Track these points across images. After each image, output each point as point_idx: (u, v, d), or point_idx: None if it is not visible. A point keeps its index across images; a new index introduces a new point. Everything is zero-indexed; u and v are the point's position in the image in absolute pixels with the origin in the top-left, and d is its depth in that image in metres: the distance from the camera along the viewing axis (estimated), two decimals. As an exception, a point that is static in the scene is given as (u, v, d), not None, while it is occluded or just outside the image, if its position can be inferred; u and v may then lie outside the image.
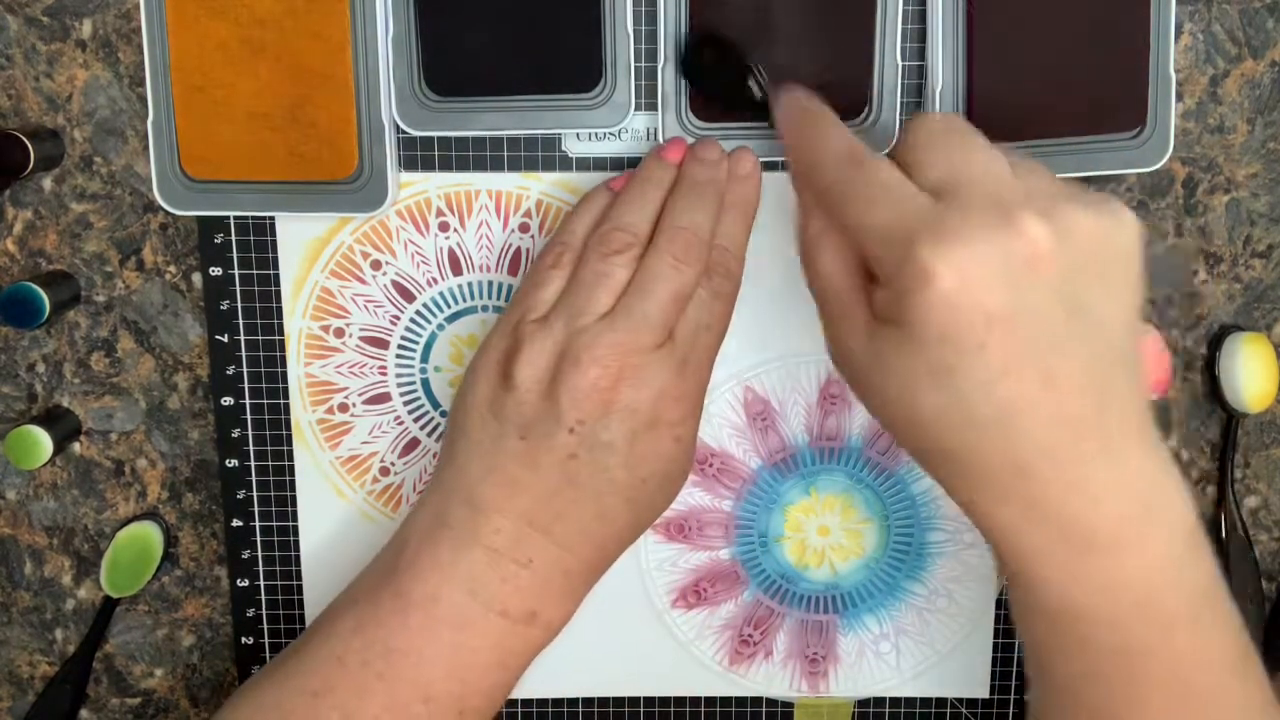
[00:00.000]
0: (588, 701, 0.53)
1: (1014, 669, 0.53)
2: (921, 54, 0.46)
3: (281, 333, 0.49)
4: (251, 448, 0.50)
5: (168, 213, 0.47)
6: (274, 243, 0.48)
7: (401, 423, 0.50)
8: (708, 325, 0.42)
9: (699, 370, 0.43)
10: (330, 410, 0.50)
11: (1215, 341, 0.50)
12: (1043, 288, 0.34)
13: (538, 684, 0.52)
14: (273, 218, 0.48)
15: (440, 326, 0.49)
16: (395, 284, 0.49)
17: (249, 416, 0.50)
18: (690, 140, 0.45)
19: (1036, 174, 0.37)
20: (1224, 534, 0.51)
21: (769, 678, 0.53)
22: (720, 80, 0.45)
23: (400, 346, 0.49)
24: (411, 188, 0.47)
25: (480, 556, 0.41)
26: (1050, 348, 0.34)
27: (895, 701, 0.53)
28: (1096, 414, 0.35)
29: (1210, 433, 0.52)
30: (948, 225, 0.34)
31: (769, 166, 0.47)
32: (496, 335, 0.43)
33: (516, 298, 0.43)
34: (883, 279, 0.36)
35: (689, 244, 0.42)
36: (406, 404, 0.50)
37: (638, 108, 0.46)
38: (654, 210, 0.43)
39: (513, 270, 0.48)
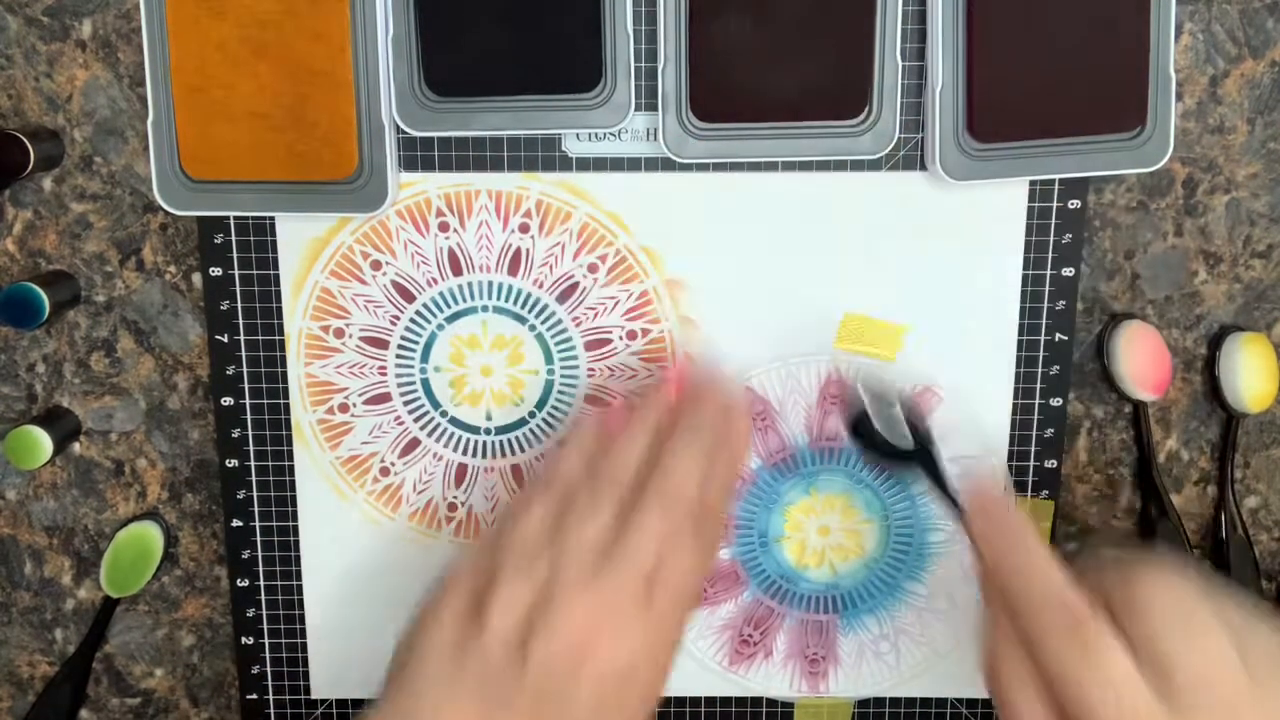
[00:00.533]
0: (588, 701, 0.53)
1: (1014, 669, 0.53)
2: (921, 54, 0.46)
3: (281, 333, 0.49)
4: (251, 448, 0.50)
5: (168, 213, 0.47)
6: (274, 243, 0.48)
7: (401, 423, 0.50)
8: (689, 576, 0.41)
9: (677, 624, 0.41)
10: (330, 410, 0.50)
11: (1215, 341, 0.50)
12: None
13: None
14: (273, 218, 0.48)
15: (440, 326, 0.49)
16: (395, 284, 0.49)
17: (249, 416, 0.50)
18: (691, 367, 0.46)
19: (1259, 646, 0.36)
20: (1224, 534, 0.51)
21: (769, 678, 0.53)
22: (892, 450, 0.46)
23: (400, 346, 0.49)
24: (411, 188, 0.47)
25: None
26: None
27: (895, 701, 0.53)
28: None
29: (1210, 433, 0.52)
30: None
31: (772, 167, 0.47)
32: (474, 560, 0.41)
33: (499, 527, 0.42)
34: None
35: (677, 498, 0.40)
36: (406, 404, 0.50)
37: (638, 108, 0.46)
38: (644, 454, 0.42)
39: (512, 270, 0.48)
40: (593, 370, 0.49)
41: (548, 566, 0.39)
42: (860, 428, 0.46)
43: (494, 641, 0.38)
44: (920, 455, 0.45)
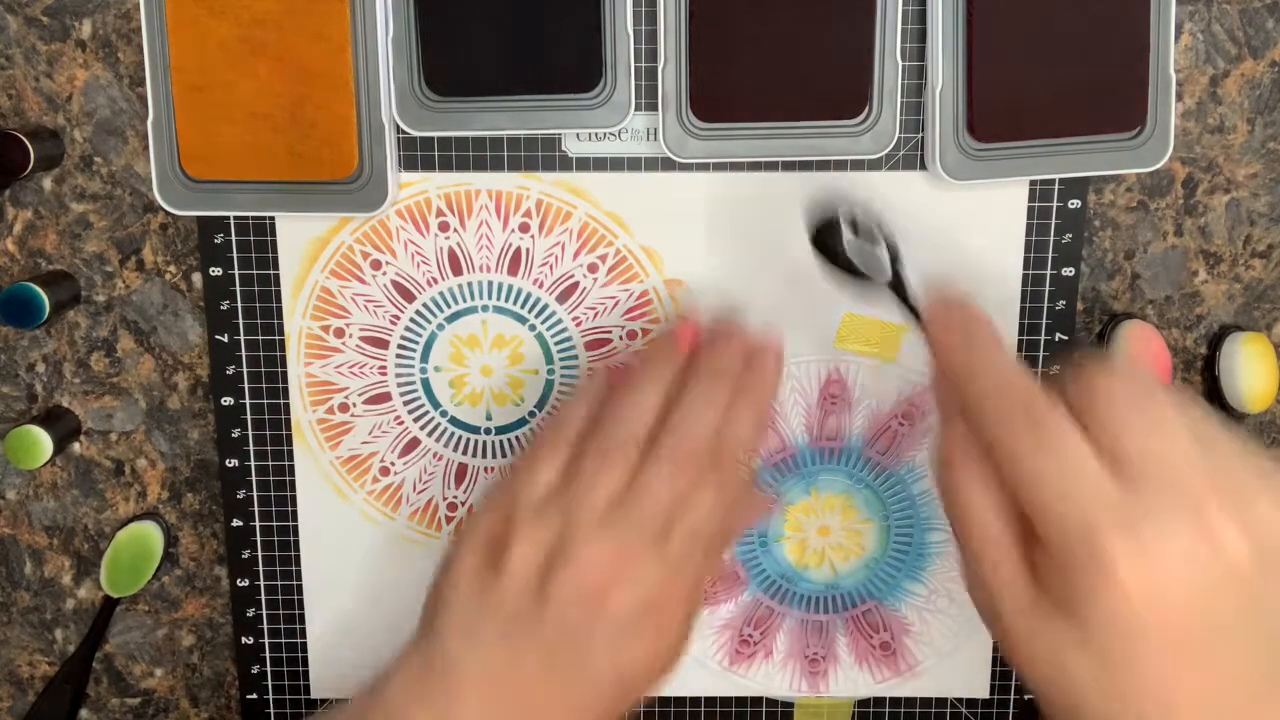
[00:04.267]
0: (588, 701, 0.53)
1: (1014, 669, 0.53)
2: (921, 54, 0.46)
3: (281, 333, 0.49)
4: (251, 448, 0.50)
5: (168, 213, 0.47)
6: (274, 243, 0.48)
7: (401, 423, 0.50)
8: (705, 529, 0.41)
9: (695, 571, 0.41)
10: (330, 410, 0.50)
11: (1215, 341, 0.50)
12: (1226, 590, 0.33)
13: None
14: (273, 218, 0.48)
15: (440, 326, 0.49)
16: (395, 284, 0.49)
17: (249, 416, 0.50)
18: (704, 323, 0.44)
19: (1219, 444, 0.35)
20: (1224, 534, 0.51)
21: (769, 678, 0.53)
22: (853, 261, 0.43)
23: (400, 346, 0.49)
24: (411, 188, 0.47)
25: None
26: (1224, 649, 0.33)
27: (895, 701, 0.53)
28: (1251, 704, 0.34)
29: (1210, 433, 0.51)
30: (1137, 526, 0.32)
31: (772, 167, 0.47)
32: (488, 512, 0.42)
33: (510, 480, 0.42)
34: (1049, 550, 0.34)
35: (688, 453, 0.40)
36: (406, 404, 0.50)
37: (638, 108, 0.46)
38: (656, 405, 0.42)
39: (512, 270, 0.48)
40: (593, 370, 0.49)
41: (561, 518, 0.40)
42: (824, 239, 0.43)
43: (513, 586, 0.39)
44: (894, 284, 0.43)
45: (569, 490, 0.41)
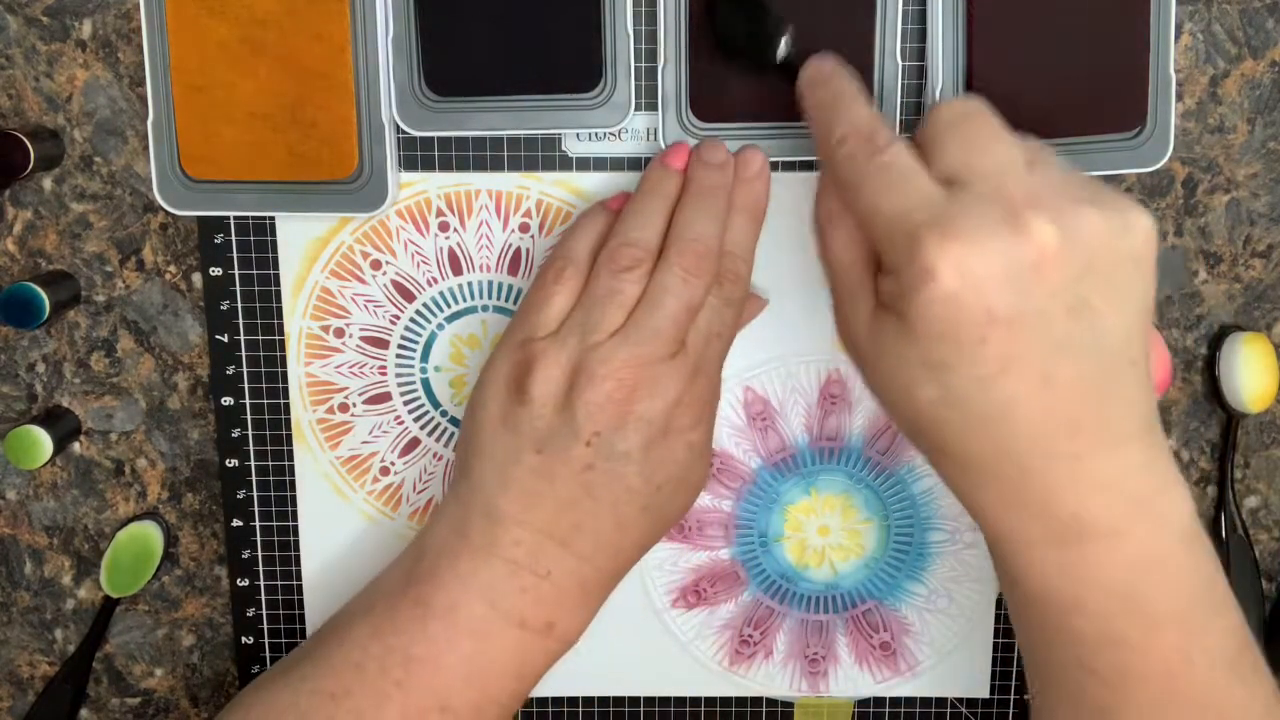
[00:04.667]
0: (588, 701, 0.53)
1: (1014, 669, 0.53)
2: (921, 54, 0.46)
3: (281, 333, 0.49)
4: (251, 448, 0.50)
5: (168, 213, 0.47)
6: (274, 243, 0.48)
7: (401, 422, 0.50)
8: (718, 332, 0.43)
9: (710, 376, 0.43)
10: (330, 410, 0.50)
11: (1215, 341, 0.50)
12: (1046, 290, 0.34)
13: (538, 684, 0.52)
14: (273, 218, 0.48)
15: (440, 326, 0.49)
16: (395, 284, 0.49)
17: (249, 416, 0.50)
18: (692, 143, 0.45)
19: (1049, 168, 0.37)
20: (1224, 534, 0.51)
21: (769, 678, 0.53)
22: (744, 35, 0.44)
23: (400, 346, 0.49)
24: (411, 188, 0.48)
25: (499, 568, 0.41)
26: (1050, 348, 0.34)
27: (895, 701, 0.53)
28: (1095, 413, 0.35)
29: (1210, 433, 0.52)
30: (954, 222, 0.34)
31: (772, 167, 0.47)
32: (504, 351, 0.43)
33: (522, 314, 0.43)
34: (887, 267, 0.36)
35: (698, 256, 0.42)
36: (407, 404, 0.50)
37: (638, 108, 0.46)
38: (661, 222, 0.43)
39: (513, 270, 0.48)
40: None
41: (577, 340, 0.41)
42: (721, 18, 0.45)
43: (540, 411, 0.41)
44: (783, 65, 0.44)
45: (584, 310, 0.42)
